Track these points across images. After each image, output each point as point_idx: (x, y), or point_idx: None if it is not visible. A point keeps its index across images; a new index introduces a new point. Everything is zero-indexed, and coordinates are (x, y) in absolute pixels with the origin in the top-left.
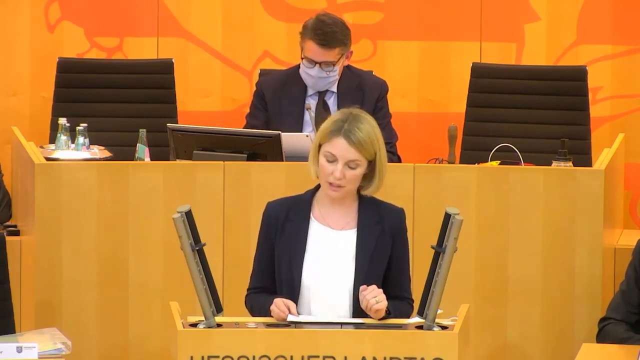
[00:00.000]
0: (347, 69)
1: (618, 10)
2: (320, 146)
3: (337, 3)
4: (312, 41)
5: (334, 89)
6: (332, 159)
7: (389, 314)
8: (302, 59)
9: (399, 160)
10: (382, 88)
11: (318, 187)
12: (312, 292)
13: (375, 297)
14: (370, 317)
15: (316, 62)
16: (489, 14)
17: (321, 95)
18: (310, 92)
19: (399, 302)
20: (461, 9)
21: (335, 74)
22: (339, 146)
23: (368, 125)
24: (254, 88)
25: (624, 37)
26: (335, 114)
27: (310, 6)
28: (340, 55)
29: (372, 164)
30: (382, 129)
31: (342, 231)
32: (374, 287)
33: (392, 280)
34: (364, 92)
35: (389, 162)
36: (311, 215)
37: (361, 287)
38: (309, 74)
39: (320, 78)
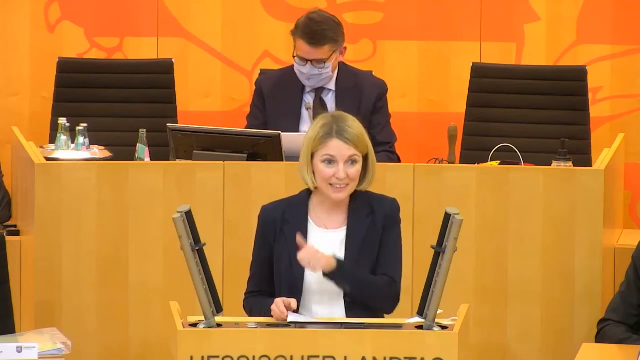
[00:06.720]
0: (344, 67)
1: (618, 10)
2: (312, 155)
3: (337, 3)
4: (301, 40)
5: (331, 86)
6: (332, 161)
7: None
8: (293, 57)
9: (399, 161)
10: (381, 88)
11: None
12: (314, 293)
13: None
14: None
15: (307, 60)
16: (489, 14)
17: (318, 92)
18: (307, 89)
19: (377, 277)
20: (461, 9)
21: (329, 70)
22: (336, 147)
23: (355, 122)
24: (254, 87)
25: (624, 37)
26: (316, 121)
27: (310, 6)
28: (332, 52)
29: (365, 159)
30: (382, 130)
31: (336, 230)
32: (311, 249)
33: (379, 260)
34: (362, 92)
35: (389, 162)
36: (309, 218)
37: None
38: (301, 71)
39: (312, 75)
